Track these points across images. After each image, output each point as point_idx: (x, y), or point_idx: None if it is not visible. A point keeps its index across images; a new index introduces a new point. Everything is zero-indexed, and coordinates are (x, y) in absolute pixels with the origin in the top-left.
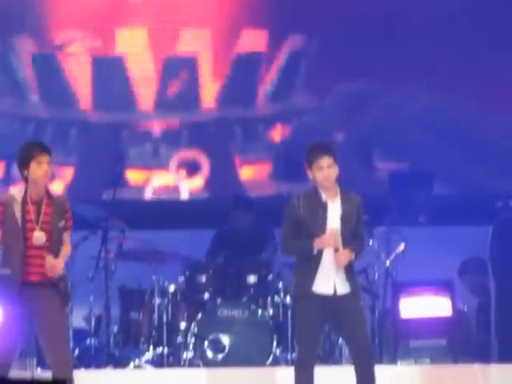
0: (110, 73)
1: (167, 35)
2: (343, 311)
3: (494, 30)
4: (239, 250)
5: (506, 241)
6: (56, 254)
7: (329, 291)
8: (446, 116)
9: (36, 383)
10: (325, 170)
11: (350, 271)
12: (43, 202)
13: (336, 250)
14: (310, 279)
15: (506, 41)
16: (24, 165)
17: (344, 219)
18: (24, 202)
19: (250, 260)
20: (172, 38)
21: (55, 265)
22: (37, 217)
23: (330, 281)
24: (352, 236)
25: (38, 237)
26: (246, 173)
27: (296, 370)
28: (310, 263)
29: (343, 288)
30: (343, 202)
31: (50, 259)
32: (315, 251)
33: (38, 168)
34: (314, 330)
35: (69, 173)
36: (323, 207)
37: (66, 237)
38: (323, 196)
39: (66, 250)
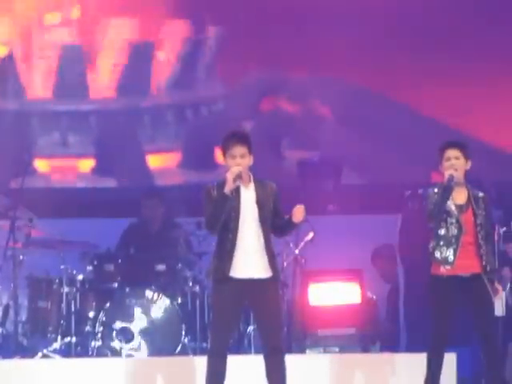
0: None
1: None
2: (260, 301)
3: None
4: (148, 240)
5: (414, 229)
6: None
7: (246, 275)
8: (356, 104)
9: None
10: (237, 159)
11: (269, 255)
12: None
13: (240, 177)
14: (227, 263)
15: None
16: None
17: (259, 203)
18: None
19: (159, 249)
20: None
21: None
22: None
23: (246, 265)
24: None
25: None
26: (155, 161)
27: (209, 359)
28: (226, 247)
29: (262, 273)
30: (257, 188)
31: None
32: (228, 191)
33: None
34: (230, 319)
35: None
36: (236, 191)
37: None
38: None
39: None
